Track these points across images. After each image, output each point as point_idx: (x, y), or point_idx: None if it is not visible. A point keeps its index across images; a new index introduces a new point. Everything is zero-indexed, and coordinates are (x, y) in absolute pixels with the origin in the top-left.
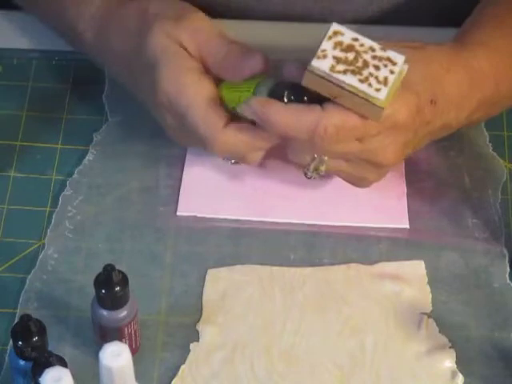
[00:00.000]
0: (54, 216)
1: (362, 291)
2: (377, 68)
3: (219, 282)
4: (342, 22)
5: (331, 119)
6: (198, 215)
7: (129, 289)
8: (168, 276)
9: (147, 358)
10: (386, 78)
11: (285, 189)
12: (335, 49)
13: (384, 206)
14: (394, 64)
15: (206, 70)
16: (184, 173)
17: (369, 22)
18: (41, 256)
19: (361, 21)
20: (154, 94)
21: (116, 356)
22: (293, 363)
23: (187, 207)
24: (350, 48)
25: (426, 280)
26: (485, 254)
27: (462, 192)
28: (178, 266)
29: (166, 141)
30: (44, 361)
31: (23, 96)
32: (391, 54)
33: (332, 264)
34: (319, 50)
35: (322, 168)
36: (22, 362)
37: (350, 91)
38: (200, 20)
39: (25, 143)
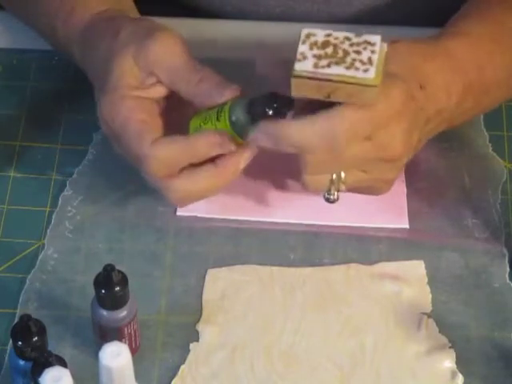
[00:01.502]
0: (53, 216)
1: (362, 291)
2: (358, 53)
3: (219, 282)
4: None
5: (344, 118)
6: (198, 215)
7: (128, 289)
8: (168, 276)
9: (147, 358)
10: (369, 58)
11: (285, 189)
12: (312, 49)
13: (384, 206)
14: (373, 44)
15: (178, 95)
16: None
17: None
18: (41, 256)
19: (359, 22)
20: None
21: (116, 356)
22: (292, 363)
23: (187, 207)
24: (326, 44)
25: (426, 280)
26: (485, 253)
27: (462, 192)
28: (177, 266)
29: None
30: (44, 361)
31: (23, 96)
32: (366, 36)
33: (332, 264)
34: (298, 54)
35: (343, 187)
36: (21, 362)
37: (340, 81)
38: (171, 41)
39: (25, 143)
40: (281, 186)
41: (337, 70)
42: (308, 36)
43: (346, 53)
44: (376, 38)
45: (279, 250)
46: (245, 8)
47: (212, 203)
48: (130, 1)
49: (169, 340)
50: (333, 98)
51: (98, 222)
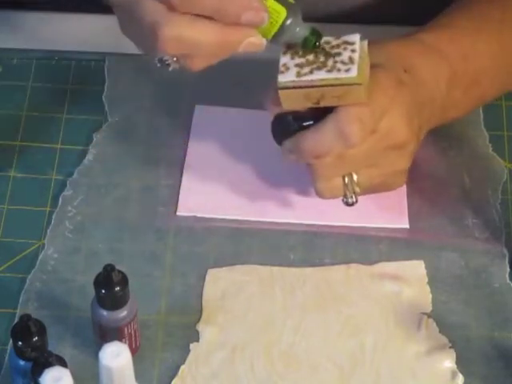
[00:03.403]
0: (53, 216)
1: (362, 291)
2: (339, 54)
3: (219, 282)
4: (348, 17)
5: (350, 114)
6: (198, 215)
7: (129, 289)
8: (168, 276)
9: (147, 357)
10: (350, 58)
11: (285, 189)
12: (293, 58)
13: (384, 206)
14: (353, 44)
15: None
16: (184, 173)
17: (371, 21)
18: (41, 256)
19: (362, 20)
20: None
21: (116, 356)
22: (292, 363)
23: (187, 207)
24: (307, 51)
25: (426, 280)
26: (485, 253)
27: (462, 192)
28: (178, 266)
29: (165, 141)
30: (44, 361)
31: (23, 96)
32: (345, 37)
33: (332, 264)
34: (280, 66)
35: (357, 189)
36: (21, 362)
37: (323, 85)
38: None
39: (25, 143)
40: (281, 186)
41: (319, 75)
42: (289, 46)
43: (328, 56)
44: (355, 37)
45: (279, 250)
46: None
47: (212, 203)
48: None
49: (169, 340)
50: (323, 104)
51: (98, 221)
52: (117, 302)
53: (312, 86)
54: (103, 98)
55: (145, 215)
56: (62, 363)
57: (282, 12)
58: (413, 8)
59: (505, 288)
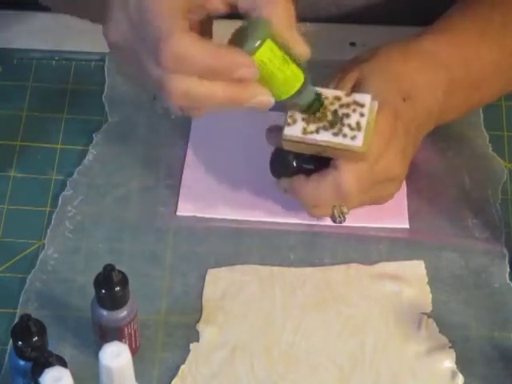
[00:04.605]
0: (53, 216)
1: (362, 291)
2: (347, 116)
3: (219, 282)
4: (349, 17)
5: (349, 172)
6: (198, 215)
7: (129, 289)
8: (168, 276)
9: (147, 358)
10: (358, 123)
11: None
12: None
13: (384, 206)
14: (362, 106)
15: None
16: (184, 173)
17: (375, 20)
18: (41, 256)
19: (366, 18)
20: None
21: (116, 356)
22: (293, 363)
23: (187, 207)
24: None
25: (426, 280)
26: (485, 253)
27: (462, 192)
28: (178, 266)
29: (165, 141)
30: (44, 361)
31: (23, 96)
32: (357, 96)
33: (332, 264)
34: (288, 117)
35: (346, 210)
36: (21, 362)
37: (327, 147)
38: None
39: (25, 143)
40: None
41: (324, 137)
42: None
43: (336, 115)
44: (366, 98)
45: (279, 250)
46: None
47: (212, 203)
48: None
49: (169, 340)
50: (324, 155)
51: (98, 221)
52: (117, 302)
53: (315, 145)
54: (103, 98)
55: (145, 215)
56: (62, 363)
57: (301, 77)
58: (414, 8)
59: (505, 288)
